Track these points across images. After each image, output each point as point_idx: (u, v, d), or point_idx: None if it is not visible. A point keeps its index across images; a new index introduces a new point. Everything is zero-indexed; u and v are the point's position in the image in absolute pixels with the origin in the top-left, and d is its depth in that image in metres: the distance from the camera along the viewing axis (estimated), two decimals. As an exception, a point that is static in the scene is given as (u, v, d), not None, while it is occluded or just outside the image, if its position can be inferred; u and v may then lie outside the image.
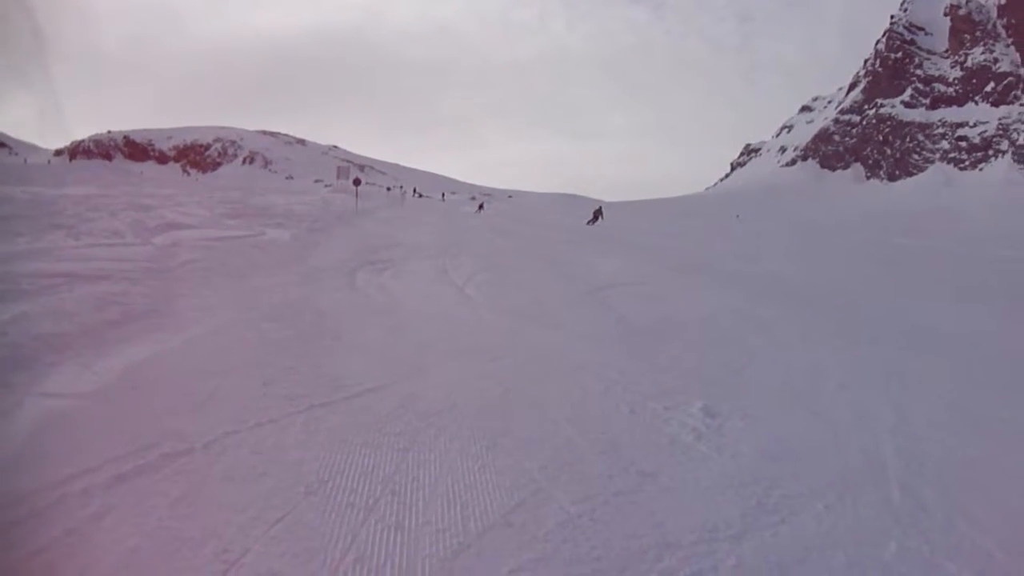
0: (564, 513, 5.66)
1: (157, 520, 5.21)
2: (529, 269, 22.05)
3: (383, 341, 11.08)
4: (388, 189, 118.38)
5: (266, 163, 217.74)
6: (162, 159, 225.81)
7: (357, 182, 55.69)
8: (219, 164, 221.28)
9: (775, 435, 7.78)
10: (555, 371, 9.89)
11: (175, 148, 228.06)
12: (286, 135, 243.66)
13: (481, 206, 55.54)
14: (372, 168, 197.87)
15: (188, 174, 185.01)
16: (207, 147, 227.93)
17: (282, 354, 9.73)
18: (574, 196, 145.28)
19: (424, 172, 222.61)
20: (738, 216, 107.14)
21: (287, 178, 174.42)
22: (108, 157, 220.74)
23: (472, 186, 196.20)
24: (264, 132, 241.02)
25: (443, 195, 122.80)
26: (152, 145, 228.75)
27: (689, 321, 14.36)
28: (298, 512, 5.46)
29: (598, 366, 10.27)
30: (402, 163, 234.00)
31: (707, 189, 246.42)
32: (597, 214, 54.76)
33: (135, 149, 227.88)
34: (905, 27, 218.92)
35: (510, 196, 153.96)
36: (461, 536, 5.27)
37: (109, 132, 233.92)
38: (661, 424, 7.87)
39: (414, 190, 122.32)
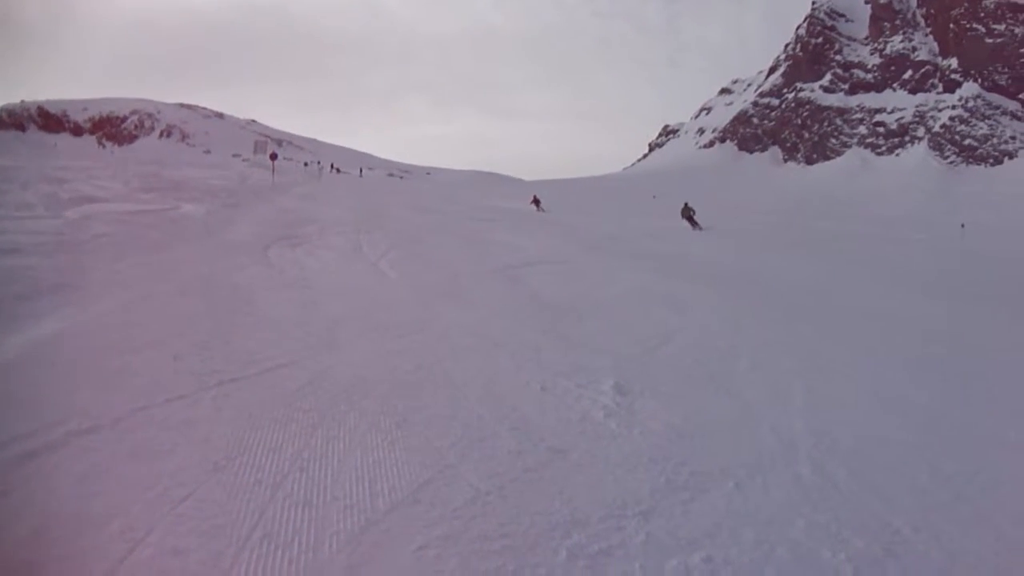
0: (473, 490, 5.65)
1: (62, 499, 5.12)
2: (445, 246, 21.95)
3: (295, 317, 10.98)
4: (305, 164, 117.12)
5: (184, 137, 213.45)
6: (77, 131, 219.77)
7: (274, 157, 54.97)
8: (136, 137, 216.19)
9: (686, 413, 7.83)
10: (468, 348, 9.89)
11: (91, 120, 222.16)
12: (204, 108, 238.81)
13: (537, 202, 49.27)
14: (290, 143, 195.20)
15: (104, 147, 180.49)
16: (124, 119, 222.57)
17: (194, 329, 9.60)
18: (492, 174, 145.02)
19: (343, 148, 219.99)
20: (655, 197, 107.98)
21: (205, 152, 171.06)
22: (21, 128, 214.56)
23: (390, 162, 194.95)
24: (182, 105, 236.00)
25: (360, 171, 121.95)
26: (67, 116, 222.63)
27: (604, 299, 14.46)
28: (205, 489, 5.39)
29: (511, 343, 10.31)
30: (321, 138, 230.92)
31: (624, 169, 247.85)
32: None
33: (49, 120, 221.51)
34: (826, 13, 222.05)
35: (428, 173, 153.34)
36: (369, 513, 5.24)
37: (23, 102, 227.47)
38: (572, 401, 7.89)
39: (332, 165, 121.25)
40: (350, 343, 9.63)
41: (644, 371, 9.31)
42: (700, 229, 37.18)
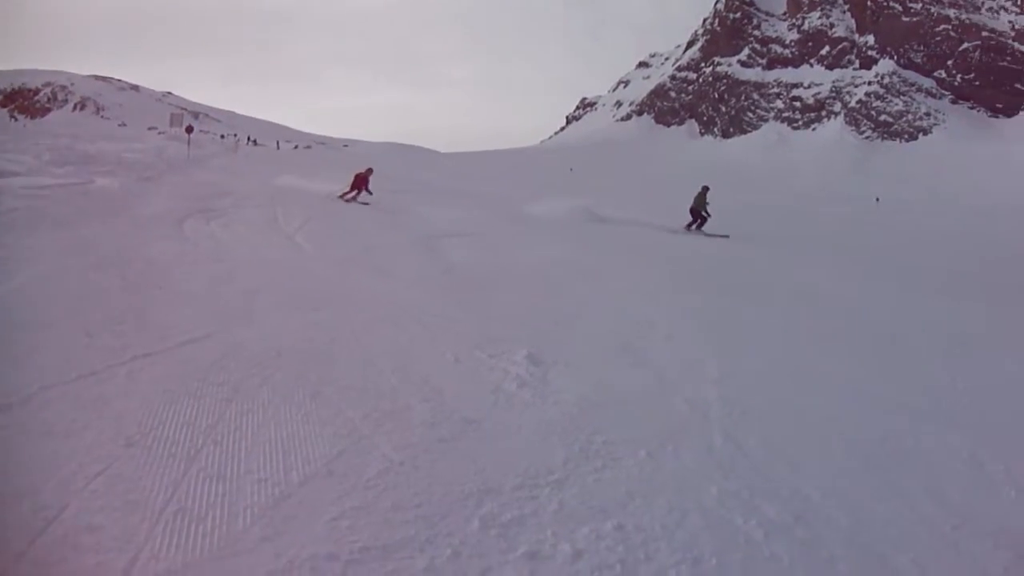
0: (386, 461, 5.66)
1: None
2: (361, 218, 21.90)
3: (210, 290, 10.82)
4: (222, 137, 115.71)
5: (98, 109, 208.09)
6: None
7: (189, 130, 54.03)
8: (49, 110, 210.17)
9: (600, 383, 7.94)
10: (383, 320, 9.86)
11: (2, 93, 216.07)
12: (119, 81, 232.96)
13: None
14: (207, 116, 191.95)
15: (16, 120, 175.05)
16: (36, 92, 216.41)
17: (107, 304, 9.39)
18: (408, 146, 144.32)
19: (261, 121, 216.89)
20: (572, 169, 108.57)
21: (120, 125, 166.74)
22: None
23: (309, 135, 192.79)
24: (96, 77, 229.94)
25: (278, 144, 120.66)
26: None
27: (520, 270, 14.57)
28: (119, 465, 5.30)
29: (426, 315, 10.33)
30: (238, 111, 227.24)
31: (542, 142, 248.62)
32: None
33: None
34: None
35: (345, 145, 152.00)
36: (283, 485, 5.22)
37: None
38: (486, 372, 7.95)
39: (249, 138, 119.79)
40: (265, 316, 9.54)
41: (558, 342, 9.40)
42: (697, 228, 27.99)
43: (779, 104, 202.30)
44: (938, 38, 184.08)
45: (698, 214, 28.20)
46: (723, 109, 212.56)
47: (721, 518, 5.28)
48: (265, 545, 4.49)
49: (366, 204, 26.60)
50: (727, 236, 25.69)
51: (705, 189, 28.88)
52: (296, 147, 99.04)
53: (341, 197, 27.29)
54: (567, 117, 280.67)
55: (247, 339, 8.42)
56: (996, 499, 6.19)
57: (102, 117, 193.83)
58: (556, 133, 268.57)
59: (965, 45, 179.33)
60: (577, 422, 6.71)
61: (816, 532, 5.26)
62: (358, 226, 19.89)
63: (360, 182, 27.74)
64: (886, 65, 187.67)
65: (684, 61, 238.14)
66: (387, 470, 5.50)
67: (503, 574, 4.40)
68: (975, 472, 6.68)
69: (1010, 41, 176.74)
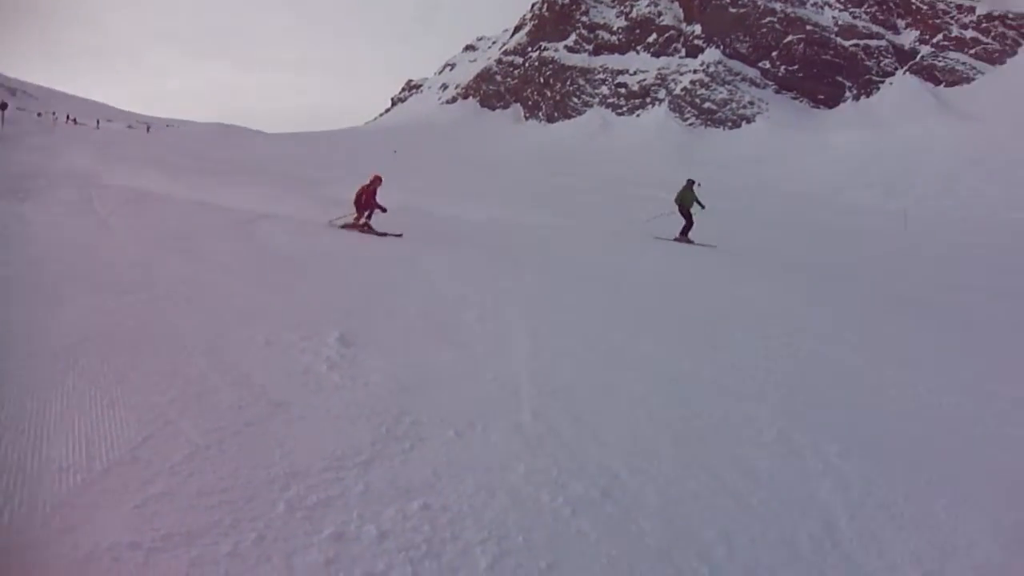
0: (192, 446, 5.55)
1: None
2: (177, 200, 21.34)
3: (15, 275, 10.35)
4: (39, 115, 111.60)
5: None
6: None
7: (3, 107, 51.63)
8: None
9: (410, 364, 8.01)
10: (192, 303, 9.67)
11: None
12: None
13: None
14: (24, 93, 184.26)
15: None
16: None
17: None
18: (234, 127, 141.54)
19: (82, 99, 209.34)
20: (396, 151, 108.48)
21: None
22: None
23: (132, 114, 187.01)
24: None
25: (98, 122, 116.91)
26: None
27: (334, 252, 14.56)
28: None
29: (237, 297, 10.23)
30: (58, 88, 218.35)
31: (367, 124, 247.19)
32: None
33: None
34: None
35: (168, 125, 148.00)
36: (85, 473, 5.06)
37: None
38: (297, 354, 7.90)
39: (68, 116, 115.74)
40: (73, 300, 9.19)
41: (370, 323, 9.47)
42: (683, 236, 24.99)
43: (604, 90, 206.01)
44: (764, 30, 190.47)
45: (688, 215, 25.17)
46: (548, 94, 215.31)
47: (528, 496, 5.38)
48: (64, 537, 4.36)
49: (399, 236, 18.83)
50: (715, 247, 24.31)
51: (690, 183, 25.84)
52: (130, 127, 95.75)
53: (349, 227, 19.53)
54: (392, 99, 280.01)
55: (52, 325, 8.13)
56: (803, 472, 6.46)
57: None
58: (381, 115, 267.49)
59: (790, 38, 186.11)
60: (386, 403, 6.74)
61: (624, 508, 5.40)
62: (174, 208, 19.41)
63: (367, 198, 19.83)
64: (712, 54, 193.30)
65: (511, 45, 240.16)
66: (193, 455, 5.41)
67: (308, 556, 4.39)
68: (783, 446, 6.96)
69: (833, 36, 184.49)
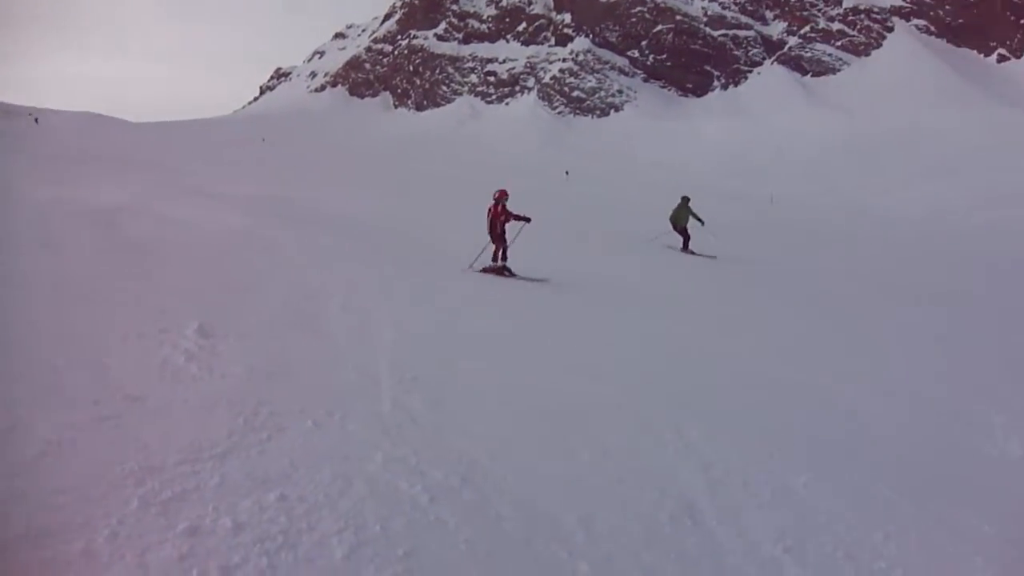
0: (44, 443, 5.45)
1: None
2: (29, 191, 20.69)
3: None
4: None
5: None
6: None
7: None
8: None
9: (270, 354, 7.98)
10: (47, 296, 9.47)
11: None
12: None
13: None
14: None
15: None
16: None
17: None
18: (99, 116, 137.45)
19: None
20: (264, 140, 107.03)
21: None
22: None
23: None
24: None
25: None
26: None
27: (194, 241, 14.33)
28: None
29: (96, 290, 10.01)
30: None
31: (235, 112, 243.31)
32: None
33: None
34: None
35: (30, 114, 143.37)
36: (-67, 478, 4.92)
37: None
38: (154, 347, 7.78)
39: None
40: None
41: (231, 313, 9.40)
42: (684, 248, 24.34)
43: (474, 78, 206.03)
44: (633, 19, 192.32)
45: (684, 231, 24.58)
46: (418, 82, 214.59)
47: (386, 484, 5.43)
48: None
49: (542, 281, 15.39)
50: (714, 257, 23.60)
51: (685, 200, 25.18)
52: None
53: (489, 271, 15.75)
54: (261, 87, 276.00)
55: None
56: (663, 455, 6.65)
57: None
58: (250, 103, 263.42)
59: (659, 27, 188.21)
60: (244, 394, 6.73)
61: (483, 494, 5.50)
62: (32, 199, 18.82)
63: (506, 218, 15.82)
64: (581, 43, 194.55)
65: (381, 33, 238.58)
66: (44, 453, 5.31)
67: (162, 552, 4.36)
68: (643, 429, 7.15)
69: (702, 26, 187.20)
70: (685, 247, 24.43)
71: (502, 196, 15.76)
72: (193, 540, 4.51)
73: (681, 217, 24.64)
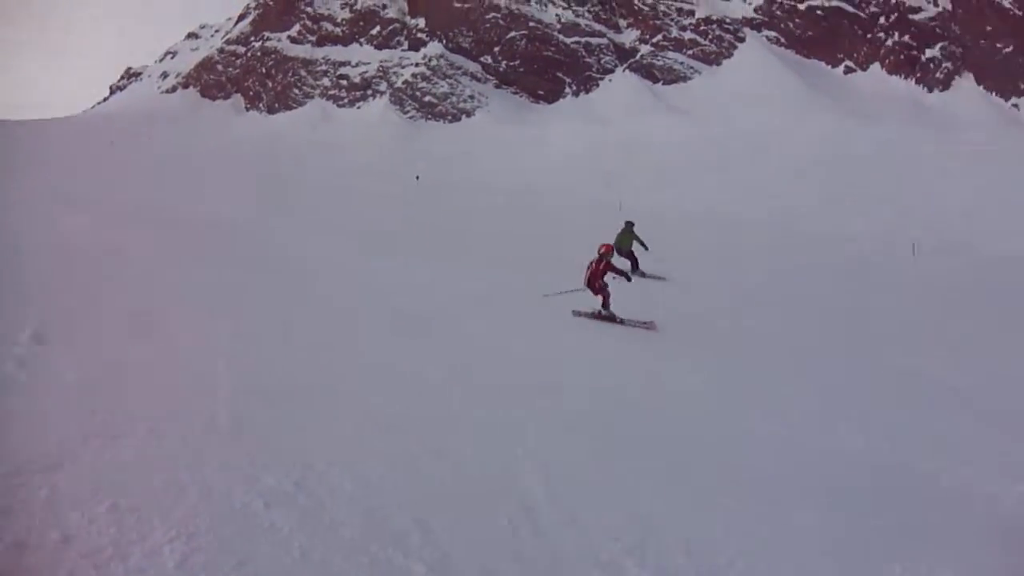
0: None
1: None
2: None
3: None
4: None
5: None
6: None
7: None
8: None
9: (108, 361, 7.83)
10: None
11: None
12: None
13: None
14: None
15: None
16: None
17: None
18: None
19: None
20: (112, 143, 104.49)
21: None
22: None
23: None
24: None
25: None
26: None
27: (33, 245, 13.92)
28: None
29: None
30: None
31: (84, 112, 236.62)
32: None
33: None
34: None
35: None
36: None
37: None
38: (-17, 355, 7.54)
39: None
40: None
41: (69, 319, 9.17)
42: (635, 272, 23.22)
43: (326, 81, 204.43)
44: (487, 25, 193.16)
45: (632, 257, 24.19)
46: (270, 84, 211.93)
47: (220, 491, 5.40)
48: None
49: (648, 325, 15.67)
50: (664, 279, 23.14)
51: (630, 225, 25.19)
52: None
53: (595, 317, 15.82)
54: (111, 87, 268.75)
55: None
56: (503, 457, 6.72)
57: None
58: (99, 103, 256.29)
59: (512, 34, 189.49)
60: (78, 402, 6.59)
61: (319, 499, 5.51)
62: None
63: (605, 270, 15.76)
64: (434, 48, 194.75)
65: (234, 34, 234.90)
66: None
67: (-15, 569, 4.28)
68: (483, 433, 7.25)
69: (555, 33, 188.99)
70: (634, 270, 23.85)
71: (608, 251, 15.80)
72: (19, 555, 4.43)
73: (625, 242, 24.32)
